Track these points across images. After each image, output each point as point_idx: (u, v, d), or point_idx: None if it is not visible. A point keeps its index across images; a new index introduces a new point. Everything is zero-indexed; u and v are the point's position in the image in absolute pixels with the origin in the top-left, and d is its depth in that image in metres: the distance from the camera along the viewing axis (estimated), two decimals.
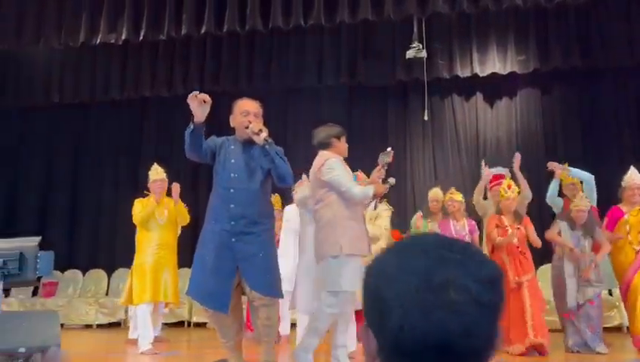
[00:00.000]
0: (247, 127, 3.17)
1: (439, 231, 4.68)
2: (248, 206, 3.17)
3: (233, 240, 3.15)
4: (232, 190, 3.19)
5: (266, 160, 3.16)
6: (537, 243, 4.81)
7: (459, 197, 4.89)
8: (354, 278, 3.36)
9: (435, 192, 5.38)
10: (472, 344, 0.61)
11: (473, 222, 4.89)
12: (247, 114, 3.23)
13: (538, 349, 4.51)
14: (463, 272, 0.62)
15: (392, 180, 3.75)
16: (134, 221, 5.10)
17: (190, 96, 3.05)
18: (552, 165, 5.18)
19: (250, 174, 3.21)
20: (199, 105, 3.04)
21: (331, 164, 3.49)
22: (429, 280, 0.61)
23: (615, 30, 7.35)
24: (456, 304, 0.60)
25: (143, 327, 4.90)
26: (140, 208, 5.11)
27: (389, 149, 3.82)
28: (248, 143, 3.24)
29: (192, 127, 3.08)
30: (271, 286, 3.22)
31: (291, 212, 4.98)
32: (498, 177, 5.71)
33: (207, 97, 3.06)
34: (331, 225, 3.44)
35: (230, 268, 3.15)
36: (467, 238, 4.65)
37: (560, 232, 4.78)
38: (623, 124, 7.86)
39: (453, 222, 4.79)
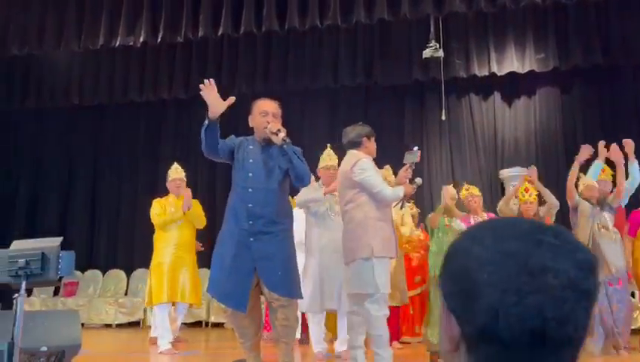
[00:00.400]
0: (265, 127, 3.18)
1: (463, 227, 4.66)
2: (266, 205, 3.18)
3: (251, 239, 3.16)
4: (250, 189, 3.20)
5: (284, 160, 3.16)
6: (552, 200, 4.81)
7: (477, 191, 4.83)
8: (387, 279, 3.40)
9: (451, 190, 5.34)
10: (568, 331, 0.59)
11: (493, 215, 4.82)
12: (266, 114, 3.24)
13: None
14: (560, 256, 0.60)
15: (418, 180, 3.72)
16: (154, 222, 5.11)
17: (202, 86, 3.06)
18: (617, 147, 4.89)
19: (268, 174, 3.22)
20: (210, 94, 3.04)
21: (363, 164, 3.47)
22: (526, 263, 0.59)
23: (636, 26, 7.22)
24: (554, 289, 0.59)
25: (162, 327, 4.94)
26: (158, 209, 5.12)
27: (415, 148, 3.78)
28: (267, 143, 3.26)
29: (206, 122, 3.09)
30: (289, 287, 3.22)
31: (295, 214, 5.00)
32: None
33: (215, 90, 3.05)
34: (362, 227, 3.42)
35: (248, 267, 3.16)
36: None
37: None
38: None
39: (474, 217, 4.72)
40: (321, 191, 4.39)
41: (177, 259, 5.08)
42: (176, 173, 5.30)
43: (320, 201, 4.36)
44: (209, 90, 3.06)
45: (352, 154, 3.58)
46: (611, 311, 4.39)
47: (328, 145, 4.64)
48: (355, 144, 3.61)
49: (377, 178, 3.49)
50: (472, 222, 4.66)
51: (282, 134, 3.12)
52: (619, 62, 7.48)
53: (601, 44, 7.31)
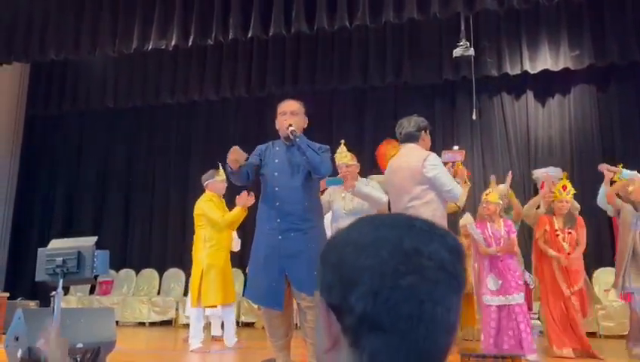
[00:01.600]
0: (286, 127, 3.29)
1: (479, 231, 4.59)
2: (293, 203, 3.22)
3: (280, 237, 3.21)
4: (276, 188, 3.27)
5: (300, 154, 3.24)
6: (580, 248, 4.62)
7: (494, 198, 4.74)
8: None
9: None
10: (441, 314, 0.59)
11: (510, 222, 4.73)
12: (284, 114, 3.35)
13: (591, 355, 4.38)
14: (432, 240, 0.62)
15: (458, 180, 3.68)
16: (219, 221, 5.02)
17: (233, 151, 3.26)
18: (603, 167, 4.92)
19: (292, 172, 3.27)
20: (235, 159, 3.22)
21: (434, 160, 3.39)
22: (401, 246, 0.60)
23: None
24: (428, 269, 0.59)
25: (195, 328, 5.01)
26: (218, 210, 5.09)
27: (456, 148, 3.74)
28: (290, 142, 3.32)
29: (229, 169, 3.28)
30: (315, 285, 3.22)
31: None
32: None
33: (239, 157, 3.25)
34: None
35: (279, 266, 3.20)
36: (504, 239, 4.51)
37: (621, 211, 4.53)
38: None
39: (489, 223, 4.64)
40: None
41: (227, 262, 5.18)
42: (223, 174, 5.34)
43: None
44: (233, 155, 3.23)
45: (412, 149, 3.48)
46: None
47: (342, 141, 4.49)
48: (413, 137, 3.51)
49: (448, 175, 3.42)
50: (489, 228, 4.57)
51: (291, 128, 3.23)
52: None
53: (639, 40, 7.08)
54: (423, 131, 3.55)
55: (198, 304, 4.99)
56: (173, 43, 6.89)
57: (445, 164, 3.65)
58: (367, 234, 0.63)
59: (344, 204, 4.28)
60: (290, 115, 3.30)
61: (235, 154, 3.21)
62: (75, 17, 7.26)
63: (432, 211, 3.36)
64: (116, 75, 8.78)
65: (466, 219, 5.55)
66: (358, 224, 0.65)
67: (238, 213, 5.02)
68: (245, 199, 4.97)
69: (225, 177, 5.26)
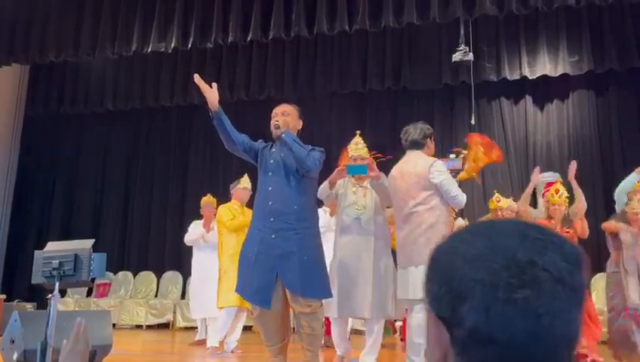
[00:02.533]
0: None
1: None
2: (286, 202, 3.24)
3: (273, 236, 3.21)
4: (270, 188, 3.30)
5: (285, 149, 3.27)
6: (584, 232, 4.58)
7: (506, 204, 4.76)
8: None
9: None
10: (561, 327, 0.57)
11: None
12: (275, 115, 3.38)
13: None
14: (548, 250, 0.59)
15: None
16: (226, 227, 5.16)
17: (203, 86, 3.28)
18: None
19: (287, 172, 3.30)
20: (205, 88, 3.25)
21: (440, 166, 3.46)
22: (514, 257, 0.57)
23: None
24: (544, 282, 0.56)
25: (223, 328, 5.09)
26: (230, 214, 5.21)
27: (452, 156, 3.77)
28: (281, 143, 3.35)
29: (211, 116, 3.27)
30: (308, 287, 3.19)
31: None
32: (552, 184, 5.52)
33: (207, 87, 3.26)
34: (435, 231, 3.36)
35: (271, 264, 3.20)
36: None
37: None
38: None
39: None
40: (324, 183, 3.91)
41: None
42: (247, 182, 5.43)
43: (328, 192, 3.92)
44: (206, 89, 3.28)
45: (417, 155, 3.54)
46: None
47: (357, 132, 4.24)
48: (419, 145, 3.57)
49: (454, 182, 3.48)
50: None
51: (275, 123, 3.30)
52: None
53: (638, 46, 7.10)
54: (429, 139, 3.61)
55: (218, 305, 5.15)
56: (172, 45, 6.89)
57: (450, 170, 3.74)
58: (477, 243, 0.60)
59: (356, 198, 3.95)
60: (281, 116, 3.35)
61: (203, 86, 3.26)
62: (75, 19, 7.27)
63: (436, 217, 3.38)
64: (115, 76, 8.78)
65: (459, 223, 5.56)
66: (468, 231, 0.63)
67: (244, 222, 5.09)
68: None
69: (248, 186, 5.33)
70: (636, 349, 4.16)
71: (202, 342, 5.59)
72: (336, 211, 4.27)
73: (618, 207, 4.87)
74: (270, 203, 3.24)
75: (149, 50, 6.98)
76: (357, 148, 4.06)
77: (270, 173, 3.31)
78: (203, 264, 5.59)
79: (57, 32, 7.29)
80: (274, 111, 3.42)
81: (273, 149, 3.39)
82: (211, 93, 3.27)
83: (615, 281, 4.50)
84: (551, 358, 0.57)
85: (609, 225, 4.57)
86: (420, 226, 3.39)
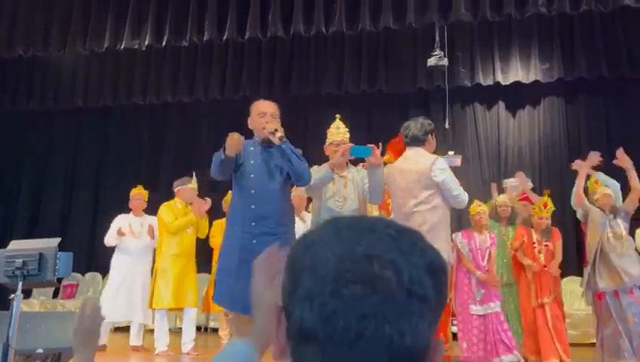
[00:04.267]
0: (264, 128, 3.17)
1: (465, 241, 4.62)
2: (269, 206, 3.16)
3: (254, 241, 3.13)
4: (252, 191, 3.19)
5: (283, 159, 3.15)
6: (554, 270, 4.71)
7: (486, 209, 4.84)
8: None
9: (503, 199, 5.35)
10: (390, 337, 0.50)
11: (494, 236, 4.85)
12: (264, 115, 3.24)
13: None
14: (395, 249, 0.53)
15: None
16: (168, 227, 5.10)
17: (231, 134, 3.10)
18: (578, 164, 4.78)
19: (269, 175, 3.20)
20: (235, 143, 3.06)
21: (442, 164, 3.33)
22: (353, 249, 0.52)
23: None
24: (378, 280, 0.51)
25: (160, 331, 4.99)
26: (171, 216, 5.13)
27: (451, 153, 3.70)
28: (267, 144, 3.25)
29: (222, 156, 3.09)
30: None
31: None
32: (526, 197, 5.64)
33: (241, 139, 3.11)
34: (437, 231, 3.26)
35: (251, 270, 3.13)
36: (488, 251, 4.63)
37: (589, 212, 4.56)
38: None
39: (476, 233, 4.71)
40: (325, 168, 3.57)
41: (184, 266, 5.12)
42: (195, 182, 5.35)
43: (330, 178, 3.54)
44: (232, 140, 3.08)
45: (419, 152, 3.43)
46: (626, 324, 4.15)
47: (337, 115, 3.97)
48: (419, 141, 3.45)
49: (456, 181, 3.34)
50: (476, 239, 4.63)
51: (279, 134, 3.10)
52: (624, 74, 7.45)
53: (607, 56, 7.29)
54: (430, 135, 3.49)
55: (151, 306, 5.07)
56: (146, 43, 6.78)
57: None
58: (323, 232, 0.55)
59: (336, 189, 3.59)
60: (271, 118, 3.22)
61: (236, 139, 3.06)
62: (44, 13, 7.08)
63: (438, 217, 3.28)
64: (87, 73, 8.58)
65: None
66: (324, 222, 0.58)
67: (188, 221, 5.05)
68: (202, 206, 5.02)
69: (196, 186, 5.27)
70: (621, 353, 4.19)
71: (139, 349, 5.40)
72: (302, 209, 4.15)
73: (580, 217, 4.99)
74: (252, 206, 3.15)
75: (122, 47, 6.85)
76: (339, 132, 3.77)
77: (252, 175, 3.20)
78: (126, 264, 5.42)
79: (26, 26, 7.09)
80: (261, 109, 3.26)
81: (252, 148, 3.28)
82: (241, 147, 3.12)
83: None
84: None
85: (581, 195, 4.60)
86: (422, 227, 3.19)
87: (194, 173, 5.38)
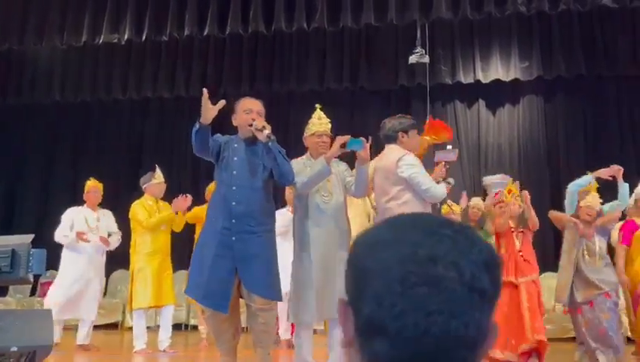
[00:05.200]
0: (250, 125, 3.15)
1: None
2: (251, 204, 3.15)
3: (234, 238, 3.12)
4: (234, 187, 3.17)
5: (269, 158, 3.13)
6: (534, 223, 4.67)
7: (458, 209, 4.89)
8: None
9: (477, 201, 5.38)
10: (456, 329, 0.55)
11: None
12: (250, 112, 3.22)
13: (538, 350, 4.41)
14: (454, 249, 0.57)
15: (451, 180, 3.52)
16: (145, 224, 5.04)
17: (204, 93, 3.08)
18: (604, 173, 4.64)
19: (252, 172, 3.19)
20: (209, 104, 3.05)
21: (409, 160, 3.32)
22: (416, 252, 0.57)
23: (619, 38, 7.33)
24: (442, 281, 0.55)
25: (139, 329, 4.96)
26: (145, 213, 5.07)
27: (449, 147, 3.69)
28: (251, 141, 3.23)
29: (197, 126, 3.07)
30: (269, 288, 3.17)
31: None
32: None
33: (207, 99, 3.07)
34: None
35: (229, 267, 3.12)
36: None
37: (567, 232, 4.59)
38: (627, 134, 7.82)
39: None
40: (319, 162, 3.38)
41: (160, 264, 5.08)
42: (161, 176, 5.28)
43: (329, 172, 3.38)
44: (204, 99, 3.07)
45: (391, 149, 3.42)
46: (601, 321, 4.20)
47: (318, 105, 3.87)
48: (390, 138, 3.46)
49: (426, 175, 3.33)
50: None
51: (267, 131, 3.09)
52: (602, 73, 7.57)
53: (585, 55, 7.40)
54: (401, 133, 3.45)
55: (130, 306, 5.04)
56: (125, 37, 6.70)
57: (437, 163, 3.58)
58: (384, 234, 0.60)
59: (321, 183, 3.45)
60: (258, 115, 3.20)
61: (209, 106, 3.03)
62: (21, 5, 6.95)
63: (410, 212, 3.30)
64: (64, 67, 8.43)
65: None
66: (385, 221, 0.63)
67: (165, 217, 5.02)
68: (181, 204, 4.98)
69: (162, 179, 5.22)
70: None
71: (87, 347, 5.28)
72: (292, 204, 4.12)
73: (568, 206, 5.01)
74: (233, 203, 3.13)
75: (101, 41, 6.75)
76: (321, 123, 3.66)
77: (234, 172, 3.18)
78: (82, 260, 5.30)
79: (2, 19, 6.95)
80: (246, 106, 3.24)
81: (235, 145, 3.26)
82: (212, 111, 3.05)
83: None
84: (440, 355, 0.56)
85: (556, 214, 4.64)
86: None
87: (156, 166, 5.33)
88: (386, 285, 0.56)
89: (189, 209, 5.36)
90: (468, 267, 0.57)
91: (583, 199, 4.57)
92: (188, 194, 5.36)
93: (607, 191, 4.85)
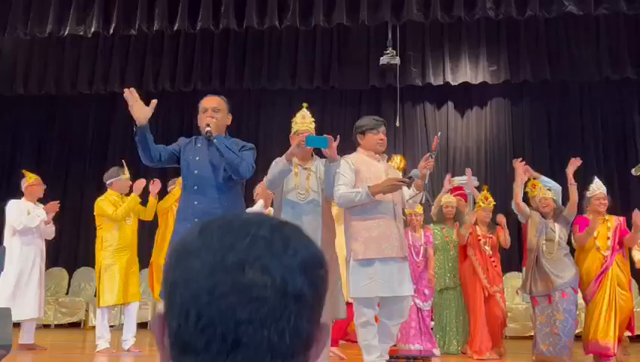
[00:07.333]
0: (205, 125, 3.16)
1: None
2: (212, 202, 3.12)
3: None
4: (195, 187, 3.15)
5: (219, 154, 3.13)
6: (506, 242, 4.95)
7: (420, 210, 4.97)
8: (370, 283, 3.19)
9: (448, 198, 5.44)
10: (268, 337, 0.51)
11: (430, 233, 5.05)
12: (205, 110, 3.19)
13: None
14: (268, 252, 0.53)
15: (414, 172, 3.37)
16: (114, 217, 4.93)
17: (126, 94, 2.99)
18: (519, 166, 4.82)
19: (214, 171, 3.17)
20: (134, 102, 2.98)
21: (342, 162, 3.36)
22: (224, 258, 0.52)
23: (582, 46, 7.55)
24: (252, 287, 0.51)
25: (102, 328, 4.86)
26: (111, 207, 4.99)
27: (438, 134, 3.74)
28: (209, 140, 3.21)
29: (135, 131, 3.01)
30: None
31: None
32: (458, 189, 5.85)
33: (137, 98, 2.99)
34: (347, 228, 3.36)
35: None
36: (423, 249, 4.84)
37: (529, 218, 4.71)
38: (589, 139, 8.07)
39: (411, 232, 4.90)
40: (282, 161, 3.39)
41: (128, 260, 4.99)
42: (127, 172, 5.19)
43: (289, 171, 3.41)
44: (132, 99, 2.99)
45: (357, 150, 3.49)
46: (555, 321, 4.32)
47: (304, 104, 3.85)
48: (355, 140, 3.53)
49: (342, 178, 3.30)
50: (410, 237, 4.79)
51: (207, 128, 3.07)
52: (565, 79, 7.79)
53: (550, 60, 7.60)
54: (359, 135, 3.49)
55: (99, 304, 4.93)
56: (92, 30, 6.54)
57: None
58: (193, 241, 0.55)
59: (298, 181, 3.49)
60: (212, 112, 3.16)
61: (132, 95, 2.98)
62: None
63: (349, 213, 3.36)
64: (28, 59, 8.18)
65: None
66: (193, 228, 0.57)
67: (132, 202, 4.95)
68: (141, 186, 4.95)
69: (128, 175, 5.14)
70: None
71: (35, 347, 5.14)
72: (270, 201, 4.10)
73: (521, 219, 5.17)
74: (195, 202, 3.11)
75: (66, 33, 6.58)
76: (304, 121, 3.63)
77: (196, 171, 3.15)
78: (28, 254, 5.18)
79: None
80: (203, 104, 3.22)
81: (199, 144, 3.22)
82: (143, 111, 2.98)
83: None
84: None
85: (521, 206, 4.73)
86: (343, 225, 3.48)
87: (124, 162, 5.23)
88: (192, 296, 0.52)
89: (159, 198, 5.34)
90: (280, 271, 0.53)
91: (532, 191, 4.75)
92: (156, 179, 5.29)
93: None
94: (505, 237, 4.97)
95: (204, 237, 0.55)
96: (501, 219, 5.03)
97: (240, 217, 0.57)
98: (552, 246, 4.47)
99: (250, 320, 0.51)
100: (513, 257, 7.07)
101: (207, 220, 0.57)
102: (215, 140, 3.06)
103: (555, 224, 4.54)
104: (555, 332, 4.33)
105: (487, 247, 4.91)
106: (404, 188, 3.46)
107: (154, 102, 3.03)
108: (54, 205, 5.41)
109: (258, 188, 4.82)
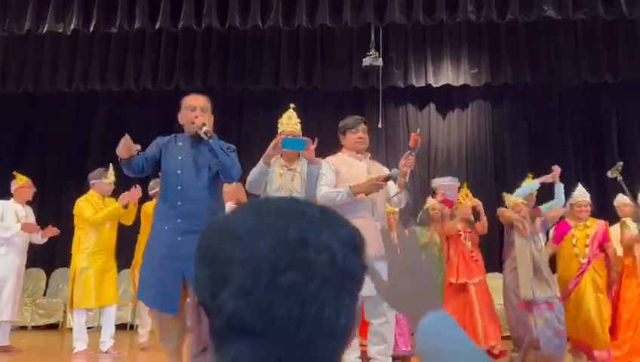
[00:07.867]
0: (193, 122, 3.10)
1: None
2: (197, 203, 3.09)
3: (179, 238, 3.05)
4: (179, 187, 3.11)
5: (211, 155, 3.09)
6: (484, 228, 4.97)
7: (396, 208, 5.02)
8: None
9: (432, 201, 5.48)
10: (328, 316, 0.50)
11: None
12: (194, 109, 3.16)
13: (490, 353, 4.53)
14: (324, 231, 0.52)
15: (394, 171, 3.41)
16: (90, 221, 4.89)
17: (124, 139, 3.04)
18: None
19: (197, 171, 3.13)
20: (126, 147, 3.01)
21: (323, 165, 3.41)
22: (285, 236, 0.51)
23: (562, 50, 7.66)
24: (314, 265, 0.50)
25: (80, 330, 4.80)
26: (91, 210, 4.92)
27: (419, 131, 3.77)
28: (196, 139, 3.17)
29: (120, 161, 3.08)
30: None
31: None
32: (448, 202, 5.87)
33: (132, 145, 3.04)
34: None
35: (177, 268, 3.05)
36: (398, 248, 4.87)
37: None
38: (568, 141, 8.20)
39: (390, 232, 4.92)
40: (260, 163, 3.50)
41: (104, 263, 4.93)
42: (113, 177, 5.13)
43: (267, 172, 3.50)
44: (125, 144, 3.02)
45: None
46: (555, 333, 4.34)
47: (292, 105, 3.89)
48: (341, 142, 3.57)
49: (324, 178, 3.37)
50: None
51: (205, 128, 3.04)
52: (545, 83, 7.90)
53: (530, 63, 7.70)
54: (341, 135, 3.58)
55: (72, 306, 4.88)
56: (72, 27, 6.45)
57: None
58: (246, 221, 0.53)
59: (283, 183, 3.54)
60: (201, 112, 3.13)
61: (127, 143, 3.01)
62: None
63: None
64: (6, 56, 8.02)
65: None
66: (241, 209, 0.56)
67: (112, 211, 4.89)
68: (129, 197, 4.89)
69: (113, 179, 5.08)
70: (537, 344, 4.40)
71: (10, 349, 5.12)
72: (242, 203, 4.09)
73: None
74: (179, 203, 3.07)
75: (45, 30, 6.47)
76: (289, 122, 3.66)
77: (179, 171, 3.11)
78: (9, 257, 5.19)
79: None
80: (190, 102, 3.18)
81: (180, 143, 3.18)
82: (130, 151, 3.02)
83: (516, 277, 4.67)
84: (316, 350, 0.51)
85: (505, 212, 4.80)
86: None
87: (110, 166, 5.17)
88: (253, 276, 0.50)
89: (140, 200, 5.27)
90: (340, 249, 0.52)
91: (508, 199, 4.83)
92: (137, 185, 5.24)
93: (542, 191, 5.09)
94: (483, 222, 5.00)
95: (260, 218, 0.53)
96: (478, 203, 5.08)
97: (284, 199, 0.56)
98: (541, 253, 4.57)
99: (314, 299, 0.50)
100: (494, 258, 7.15)
101: (254, 202, 0.57)
102: (212, 141, 3.02)
103: (540, 235, 4.65)
104: (559, 334, 4.37)
105: (468, 242, 4.95)
106: (391, 185, 3.49)
107: (137, 146, 3.07)
108: (52, 230, 5.35)
109: (227, 188, 4.76)
